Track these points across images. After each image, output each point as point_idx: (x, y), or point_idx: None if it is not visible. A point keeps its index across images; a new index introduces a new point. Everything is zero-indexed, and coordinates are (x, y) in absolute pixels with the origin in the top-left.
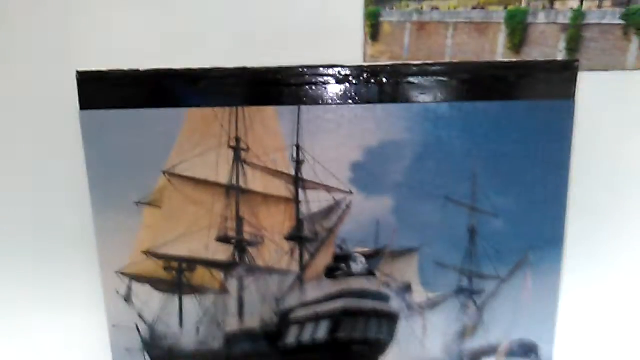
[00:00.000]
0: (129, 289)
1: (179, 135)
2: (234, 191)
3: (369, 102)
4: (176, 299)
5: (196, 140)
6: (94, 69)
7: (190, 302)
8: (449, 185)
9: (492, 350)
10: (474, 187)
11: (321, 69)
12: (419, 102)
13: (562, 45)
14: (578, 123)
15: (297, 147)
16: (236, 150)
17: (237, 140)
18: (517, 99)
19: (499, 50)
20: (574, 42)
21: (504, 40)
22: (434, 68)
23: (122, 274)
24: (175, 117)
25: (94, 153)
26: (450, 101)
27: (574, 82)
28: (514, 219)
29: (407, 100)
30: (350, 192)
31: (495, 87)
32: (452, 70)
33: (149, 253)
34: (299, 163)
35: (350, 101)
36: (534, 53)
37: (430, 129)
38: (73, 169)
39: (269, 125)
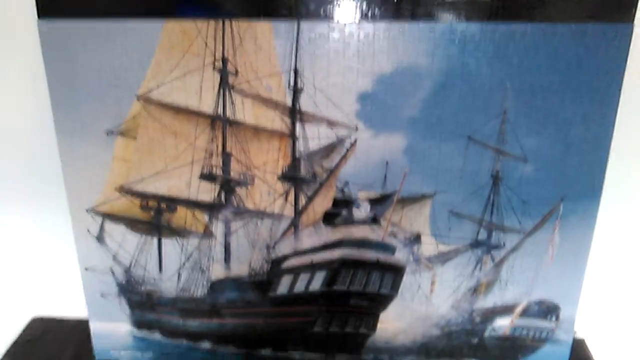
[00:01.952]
0: (102, 228)
1: (155, 54)
2: (220, 122)
3: (383, 19)
4: (155, 241)
5: (175, 60)
6: None
7: (171, 246)
8: (473, 122)
9: (507, 310)
10: (503, 125)
11: None
12: (444, 21)
13: None
14: (634, 53)
15: (295, 71)
16: (222, 73)
17: (224, 61)
18: (562, 21)
19: None
20: None
21: None
22: None
23: (94, 212)
24: (150, 31)
25: (56, 72)
26: (482, 21)
27: (635, 1)
28: (545, 164)
29: (429, 18)
30: (356, 128)
31: (537, 5)
32: None
33: (123, 190)
34: (296, 91)
35: (360, 17)
36: None
37: (455, 54)
38: (33, 90)
39: (262, 44)
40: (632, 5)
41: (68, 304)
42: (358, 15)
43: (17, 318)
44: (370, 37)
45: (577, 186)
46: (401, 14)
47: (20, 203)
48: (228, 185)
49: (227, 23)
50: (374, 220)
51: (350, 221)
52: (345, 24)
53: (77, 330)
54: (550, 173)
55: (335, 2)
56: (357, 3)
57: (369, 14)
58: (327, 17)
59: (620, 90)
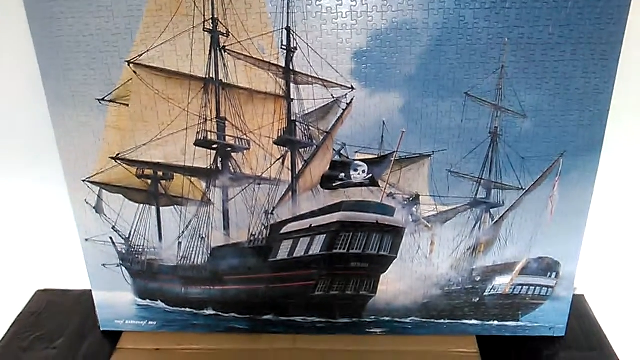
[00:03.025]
0: (100, 199)
1: (144, 16)
2: (213, 86)
3: None
4: (153, 210)
5: (164, 22)
6: None
7: (170, 214)
8: (470, 78)
9: (507, 268)
10: (501, 81)
11: None
12: None
13: None
14: (636, 2)
15: (288, 30)
16: (213, 34)
17: (214, 21)
18: None
19: None
20: None
21: None
22: None
23: (90, 182)
24: None
25: (43, 38)
26: None
27: None
28: (545, 119)
29: None
30: (352, 88)
31: None
32: None
33: (118, 159)
34: (289, 51)
35: None
36: None
37: (450, 7)
38: (21, 57)
39: (251, 2)
40: None
41: (71, 275)
42: None
43: (22, 291)
44: None
45: (577, 141)
46: None
47: (18, 176)
48: (224, 151)
49: None
50: (372, 181)
51: (348, 184)
52: None
53: (82, 302)
54: (550, 128)
55: None
56: None
57: None
58: None
59: (622, 41)
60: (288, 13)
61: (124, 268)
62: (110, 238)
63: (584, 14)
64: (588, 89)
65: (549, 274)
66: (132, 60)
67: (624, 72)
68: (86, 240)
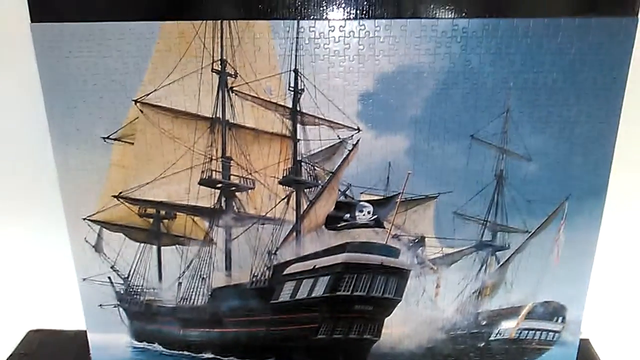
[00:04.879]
0: (100, 237)
1: (152, 57)
2: (219, 125)
3: (383, 17)
4: (154, 249)
5: (172, 62)
6: None
7: (171, 254)
8: (476, 122)
9: (513, 312)
10: (506, 124)
11: None
12: (445, 18)
13: None
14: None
15: (295, 72)
16: (221, 75)
17: (222, 63)
18: (564, 15)
19: None
20: None
21: None
22: None
23: (91, 220)
24: (146, 34)
25: (51, 77)
26: (484, 17)
27: None
28: (550, 163)
29: (430, 15)
30: (358, 129)
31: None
32: None
33: (120, 197)
34: (297, 93)
35: (361, 15)
36: None
37: (457, 51)
38: (26, 96)
39: (260, 45)
40: None
41: (65, 315)
42: (359, 13)
43: (13, 331)
44: (370, 35)
45: (582, 185)
46: (402, 11)
47: (15, 213)
48: (228, 191)
49: (225, 23)
50: (377, 223)
51: (353, 225)
52: (345, 23)
53: (75, 343)
54: (555, 172)
55: (334, 1)
56: (357, 3)
57: (370, 13)
58: (327, 16)
59: (625, 86)
60: (296, 56)
61: (121, 309)
62: (109, 278)
63: (586, 59)
64: (592, 134)
65: (555, 318)
66: (139, 99)
67: (627, 117)
68: (84, 279)
